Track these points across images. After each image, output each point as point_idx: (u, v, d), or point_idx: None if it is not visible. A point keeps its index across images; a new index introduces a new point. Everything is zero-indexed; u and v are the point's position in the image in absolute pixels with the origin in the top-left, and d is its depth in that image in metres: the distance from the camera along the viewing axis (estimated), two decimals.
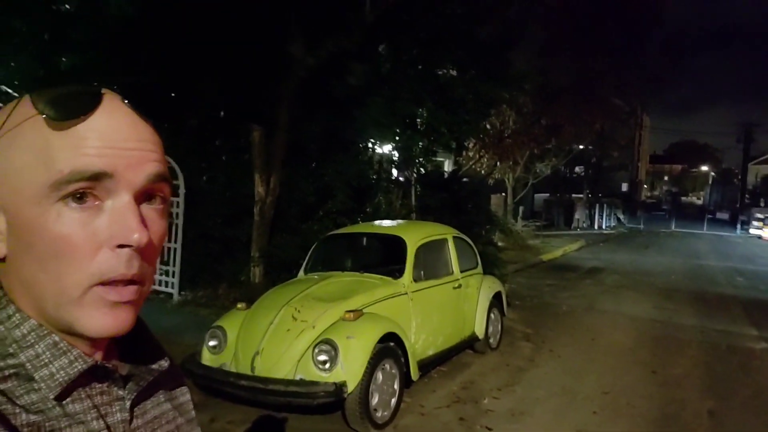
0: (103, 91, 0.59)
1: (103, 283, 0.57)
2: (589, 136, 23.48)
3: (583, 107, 17.69)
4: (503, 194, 22.55)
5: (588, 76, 17.22)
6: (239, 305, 5.22)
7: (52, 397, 0.57)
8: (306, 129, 8.92)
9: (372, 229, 6.81)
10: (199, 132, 9.13)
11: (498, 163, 19.49)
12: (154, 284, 8.83)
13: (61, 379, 0.58)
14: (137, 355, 0.69)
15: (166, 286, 8.66)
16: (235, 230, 8.73)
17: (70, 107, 0.56)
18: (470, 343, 6.69)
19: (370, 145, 11.63)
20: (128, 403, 0.65)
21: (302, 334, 4.58)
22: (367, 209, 10.43)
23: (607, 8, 17.41)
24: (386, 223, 7.61)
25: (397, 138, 11.02)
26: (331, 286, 5.34)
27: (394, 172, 12.89)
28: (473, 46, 10.67)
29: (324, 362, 4.36)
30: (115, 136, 0.57)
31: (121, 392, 0.65)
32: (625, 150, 39.75)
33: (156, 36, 7.82)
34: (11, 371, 0.56)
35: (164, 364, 0.72)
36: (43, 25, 7.35)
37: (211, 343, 4.93)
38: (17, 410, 0.54)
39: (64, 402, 0.58)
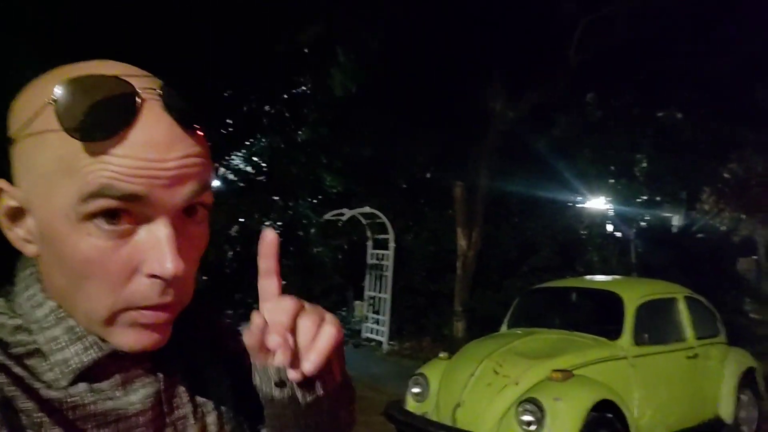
0: (143, 95, 0.50)
1: (135, 308, 0.53)
2: None
3: None
4: (755, 257, 18.96)
5: None
6: (441, 354, 5.18)
7: (64, 384, 0.53)
8: (507, 183, 8.81)
9: (583, 283, 6.25)
10: (407, 192, 9.68)
11: (743, 217, 16.56)
12: (367, 332, 9.35)
13: (74, 366, 0.54)
14: (176, 338, 0.60)
15: (377, 335, 9.08)
16: (438, 284, 8.86)
17: (100, 124, 0.48)
18: (714, 429, 5.53)
19: (579, 197, 10.96)
20: (161, 384, 0.59)
21: (504, 389, 4.30)
22: (576, 267, 9.70)
23: None
24: (600, 278, 6.92)
25: (610, 189, 10.19)
26: (535, 343, 4.98)
27: (609, 227, 11.83)
28: (704, 82, 9.46)
29: (529, 423, 4.00)
30: (152, 154, 0.49)
31: (151, 372, 0.59)
32: None
33: (373, 109, 8.65)
34: (34, 347, 0.54)
35: (202, 351, 0.67)
36: (284, 106, 8.65)
37: (415, 390, 4.94)
38: (39, 386, 0.52)
39: (85, 381, 0.55)
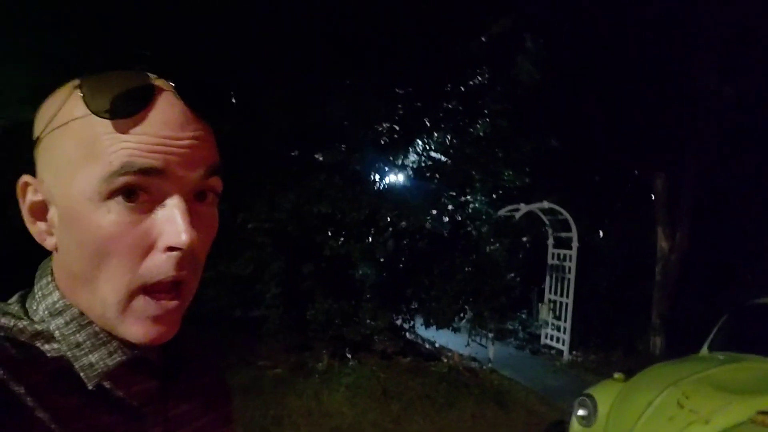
0: (158, 84, 0.57)
1: (150, 289, 0.56)
2: None
3: None
4: None
5: None
6: (616, 375, 4.47)
7: (90, 387, 0.57)
8: (725, 174, 7.27)
9: None
10: (595, 186, 8.68)
11: None
12: (546, 338, 8.67)
13: (100, 370, 0.57)
14: (179, 352, 0.68)
15: (557, 342, 8.35)
16: (632, 291, 7.75)
17: (123, 105, 0.54)
18: None
19: None
20: (167, 396, 0.65)
21: (689, 428, 3.49)
22: None
23: None
24: None
25: None
26: (742, 373, 3.96)
27: None
28: None
29: None
30: (167, 132, 0.56)
31: (158, 382, 0.65)
32: None
33: (558, 98, 7.94)
34: (54, 355, 0.57)
35: (207, 370, 0.74)
36: (458, 98, 8.43)
37: (580, 412, 4.34)
38: (61, 389, 0.55)
39: (106, 388, 0.59)
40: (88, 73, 0.56)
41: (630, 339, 7.63)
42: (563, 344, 8.15)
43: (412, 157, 8.19)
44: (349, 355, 6.92)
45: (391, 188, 7.79)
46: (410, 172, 8.01)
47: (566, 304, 8.09)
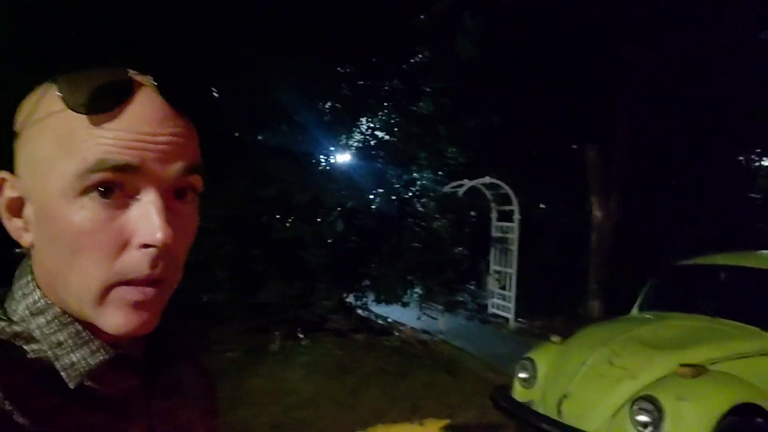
0: (137, 79, 0.56)
1: (126, 283, 0.55)
2: None
3: None
4: None
5: None
6: (553, 338, 4.74)
7: (72, 386, 0.56)
8: (653, 143, 7.69)
9: (742, 260, 5.19)
10: (536, 161, 9.01)
11: None
12: (493, 308, 9.04)
13: (82, 369, 0.57)
14: (161, 348, 0.68)
15: (504, 311, 8.71)
16: (571, 259, 8.16)
17: (100, 100, 0.53)
18: None
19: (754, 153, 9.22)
20: (150, 393, 0.64)
21: (619, 383, 3.78)
22: (749, 240, 8.23)
23: None
24: (765, 253, 5.74)
25: None
26: (666, 330, 4.30)
27: None
28: None
29: (645, 425, 3.46)
30: (145, 128, 0.54)
31: (141, 380, 0.64)
32: None
33: (497, 76, 8.12)
34: (35, 356, 0.56)
35: (191, 365, 0.73)
36: (400, 78, 8.52)
37: (521, 375, 4.60)
38: (42, 390, 0.55)
39: (88, 387, 0.58)
40: (66, 69, 0.55)
41: (572, 304, 8.06)
42: (510, 312, 8.52)
43: (357, 136, 8.24)
44: (302, 335, 7.02)
45: (337, 168, 7.83)
46: (356, 152, 8.06)
47: (510, 274, 8.43)
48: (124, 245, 0.54)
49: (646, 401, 3.50)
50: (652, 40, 6.92)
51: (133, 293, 0.55)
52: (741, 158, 8.99)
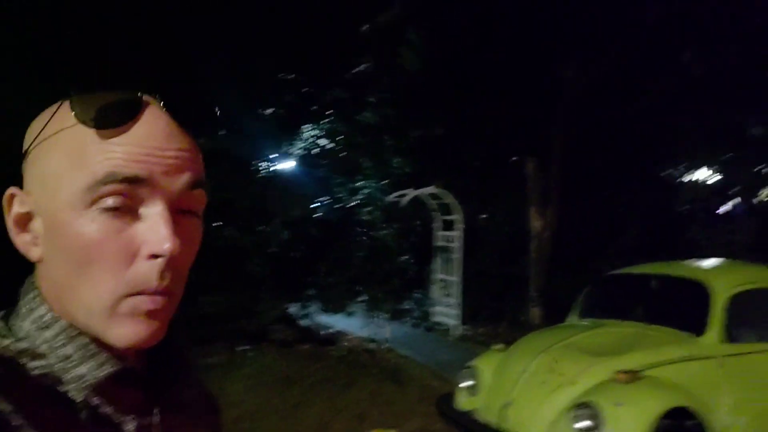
0: (145, 98, 0.58)
1: (137, 293, 0.56)
2: None
3: None
4: None
5: None
6: (496, 346, 4.84)
7: (78, 400, 0.56)
8: (587, 157, 8.06)
9: (667, 269, 5.50)
10: (478, 171, 9.23)
11: None
12: (438, 316, 9.13)
13: (89, 382, 0.57)
14: (166, 365, 0.68)
15: (449, 318, 8.83)
16: (513, 267, 8.39)
17: (110, 116, 0.56)
18: None
19: (676, 170, 9.82)
20: (155, 410, 0.64)
21: (559, 389, 3.89)
22: (676, 249, 8.73)
23: None
24: (692, 263, 6.08)
25: (718, 158, 9.01)
26: (602, 337, 4.47)
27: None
28: None
29: (585, 430, 3.58)
30: (152, 143, 0.57)
31: (146, 396, 0.64)
32: None
33: (439, 88, 8.27)
34: (41, 371, 0.56)
35: (195, 383, 0.74)
36: (345, 87, 8.52)
37: (464, 383, 4.65)
38: (50, 403, 0.55)
39: (94, 403, 0.58)
40: (79, 88, 0.57)
41: (514, 311, 8.28)
42: (455, 320, 8.64)
43: (300, 144, 8.15)
44: (247, 346, 6.84)
45: (280, 175, 7.71)
46: (299, 160, 7.97)
47: (455, 282, 8.57)
48: (133, 256, 0.56)
49: (586, 407, 3.62)
50: (583, 60, 7.27)
51: (145, 302, 0.56)
52: (666, 173, 9.56)
